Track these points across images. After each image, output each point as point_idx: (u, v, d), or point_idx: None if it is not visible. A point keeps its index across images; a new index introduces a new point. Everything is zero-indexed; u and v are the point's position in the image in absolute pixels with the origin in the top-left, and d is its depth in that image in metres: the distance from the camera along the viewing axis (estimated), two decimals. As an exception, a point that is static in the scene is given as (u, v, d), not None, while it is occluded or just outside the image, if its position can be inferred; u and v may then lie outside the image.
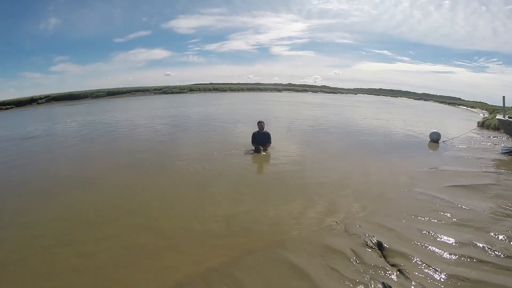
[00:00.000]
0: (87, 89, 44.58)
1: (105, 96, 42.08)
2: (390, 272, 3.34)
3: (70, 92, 41.91)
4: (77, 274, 3.36)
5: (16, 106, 32.05)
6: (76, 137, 12.00)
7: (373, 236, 4.04)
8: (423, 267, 3.41)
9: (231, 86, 58.55)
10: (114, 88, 45.93)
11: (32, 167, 7.99)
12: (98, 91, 43.27)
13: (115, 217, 4.73)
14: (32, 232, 4.31)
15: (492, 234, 4.10)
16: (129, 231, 4.26)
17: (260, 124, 8.55)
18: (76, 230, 4.34)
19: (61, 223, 4.57)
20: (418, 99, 58.33)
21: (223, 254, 3.68)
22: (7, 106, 31.19)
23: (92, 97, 40.91)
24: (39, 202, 5.45)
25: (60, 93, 40.88)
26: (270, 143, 8.70)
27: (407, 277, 3.23)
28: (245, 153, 8.35)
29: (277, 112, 20.92)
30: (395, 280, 3.21)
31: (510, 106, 20.36)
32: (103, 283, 3.20)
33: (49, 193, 5.88)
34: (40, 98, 36.47)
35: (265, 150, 8.50)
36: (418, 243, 3.91)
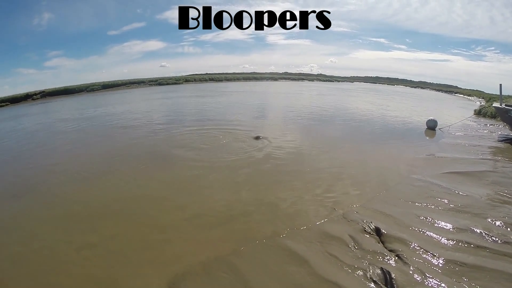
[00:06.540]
0: (82, 83, 43.93)
1: (100, 89, 41.50)
2: (388, 257, 3.36)
3: (65, 86, 41.28)
4: (86, 261, 3.40)
5: (11, 103, 31.59)
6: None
7: (371, 222, 4.06)
8: (421, 253, 3.44)
9: (227, 76, 57.85)
10: (109, 81, 45.33)
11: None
12: (93, 84, 42.59)
13: (117, 214, 4.72)
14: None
15: (489, 220, 4.14)
16: (129, 226, 4.27)
17: None
18: (83, 224, 4.34)
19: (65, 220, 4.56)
20: (415, 87, 58.15)
21: (222, 243, 3.68)
22: (2, 104, 30.69)
23: (87, 91, 40.38)
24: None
25: (55, 88, 40.28)
26: None
27: (405, 262, 3.26)
28: (241, 143, 8.30)
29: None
30: (394, 265, 3.23)
31: (506, 94, 20.45)
32: (107, 274, 3.24)
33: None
34: (35, 94, 35.89)
35: None
36: (416, 229, 3.94)
